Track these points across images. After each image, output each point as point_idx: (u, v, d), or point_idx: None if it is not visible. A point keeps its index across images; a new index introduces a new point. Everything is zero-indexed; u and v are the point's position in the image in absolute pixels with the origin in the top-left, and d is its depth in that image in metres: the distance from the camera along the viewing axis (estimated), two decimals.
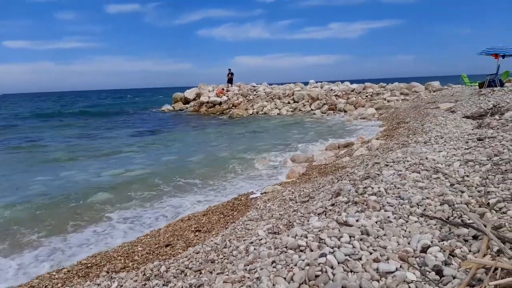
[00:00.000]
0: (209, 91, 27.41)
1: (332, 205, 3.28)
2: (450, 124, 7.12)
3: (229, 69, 27.60)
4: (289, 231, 2.70)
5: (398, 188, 3.18)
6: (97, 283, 3.45)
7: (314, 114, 21.13)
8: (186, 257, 3.44)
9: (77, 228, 5.65)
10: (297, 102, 23.65)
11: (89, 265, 4.20)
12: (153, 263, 3.58)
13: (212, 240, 3.77)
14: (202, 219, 5.64)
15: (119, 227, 5.61)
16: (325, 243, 2.20)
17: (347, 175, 5.37)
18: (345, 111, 20.65)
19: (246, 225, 4.17)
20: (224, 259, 3.11)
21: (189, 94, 27.63)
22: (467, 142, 4.91)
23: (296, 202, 4.74)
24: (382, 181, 3.39)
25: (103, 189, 7.61)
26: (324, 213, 3.24)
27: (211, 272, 2.85)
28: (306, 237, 2.36)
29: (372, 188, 3.17)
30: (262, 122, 19.82)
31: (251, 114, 23.59)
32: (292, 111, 23.07)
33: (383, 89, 22.26)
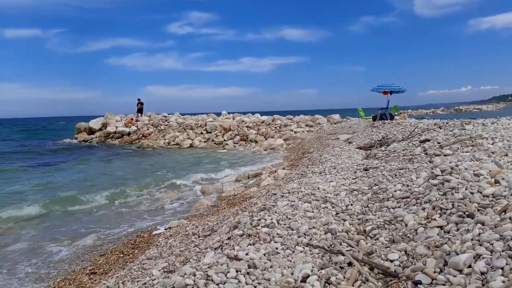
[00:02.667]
0: (116, 121, 26.28)
1: (228, 238, 3.32)
2: (344, 155, 7.75)
3: (139, 99, 26.92)
4: (179, 270, 2.66)
5: (289, 219, 3.34)
6: None
7: (227, 144, 21.39)
8: None
9: None
10: (210, 132, 23.75)
11: None
12: None
13: (104, 284, 3.53)
14: (99, 260, 5.27)
15: None
16: (212, 280, 2.21)
17: (250, 206, 5.49)
18: (256, 142, 21.28)
19: (143, 264, 3.99)
20: None
21: (95, 124, 26.14)
22: (355, 172, 5.38)
23: (199, 237, 4.70)
24: (276, 212, 3.54)
25: None
26: (220, 247, 3.26)
27: None
28: (195, 275, 2.34)
29: (265, 220, 3.29)
30: (173, 153, 19.45)
31: (162, 145, 23.07)
32: (205, 142, 23.06)
33: (290, 121, 23.51)
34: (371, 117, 18.45)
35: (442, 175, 3.60)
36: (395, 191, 3.59)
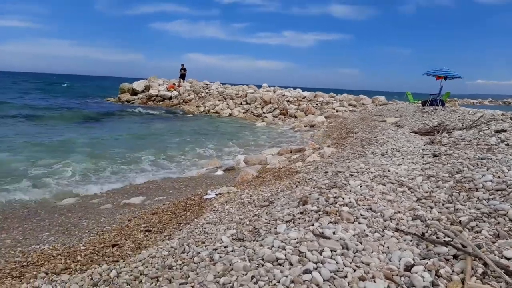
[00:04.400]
0: (159, 85, 26.54)
1: (301, 213, 3.16)
2: (402, 138, 7.37)
3: (182, 65, 26.98)
4: (262, 241, 2.52)
5: (368, 200, 3.13)
6: (35, 286, 3.04)
7: (266, 117, 21.19)
8: (140, 261, 3.13)
9: None
10: (250, 104, 23.59)
11: (24, 264, 3.73)
12: (100, 265, 3.23)
13: (168, 244, 3.49)
14: (152, 218, 5.30)
15: None
16: (306, 257, 2.06)
17: (306, 181, 5.31)
18: (295, 117, 20.94)
19: (205, 228, 3.92)
20: (184, 265, 2.85)
21: (138, 85, 26.52)
22: (423, 157, 5.05)
23: (255, 206, 4.58)
24: (350, 191, 3.33)
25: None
26: (292, 221, 3.11)
27: (169, 280, 2.59)
28: (284, 249, 2.19)
29: (343, 198, 3.09)
30: (214, 121, 19.51)
31: (201, 112, 23.19)
32: (244, 112, 22.97)
33: (333, 99, 22.92)
34: (420, 101, 17.62)
35: None
36: (485, 181, 3.29)
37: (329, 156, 8.59)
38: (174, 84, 26.43)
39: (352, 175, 4.02)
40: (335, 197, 3.17)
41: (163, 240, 4.26)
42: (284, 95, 24.12)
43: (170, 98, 25.08)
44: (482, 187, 3.21)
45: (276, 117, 21.35)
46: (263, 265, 2.08)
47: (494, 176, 3.36)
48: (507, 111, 9.71)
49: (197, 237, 3.61)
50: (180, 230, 4.38)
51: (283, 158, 10.17)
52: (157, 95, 25.07)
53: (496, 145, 4.88)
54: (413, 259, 2.11)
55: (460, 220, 2.68)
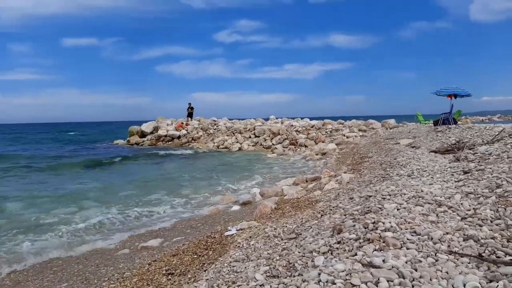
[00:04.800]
0: (167, 125, 26.75)
1: (338, 242, 2.93)
2: (423, 158, 7.13)
3: (189, 103, 27.30)
4: (304, 276, 2.29)
5: (409, 223, 2.90)
6: None
7: (276, 148, 21.06)
8: None
9: None
10: (258, 136, 23.56)
11: None
12: None
13: (196, 286, 3.24)
14: (173, 260, 5.05)
15: None
16: None
17: (331, 209, 5.07)
18: (305, 146, 20.78)
19: (233, 266, 3.67)
20: None
21: (146, 127, 26.73)
22: (452, 175, 4.82)
23: (282, 239, 4.33)
24: (388, 215, 3.10)
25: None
26: (330, 251, 2.87)
27: None
28: (334, 283, 1.96)
29: (383, 223, 2.86)
30: (224, 156, 19.40)
31: (211, 148, 23.17)
32: (253, 146, 22.91)
33: (342, 125, 22.81)
34: (431, 122, 17.44)
35: None
36: None
37: (348, 183, 8.33)
38: (182, 123, 26.63)
39: (384, 198, 3.79)
40: (373, 223, 2.93)
41: (188, 283, 4.01)
42: (292, 125, 24.09)
43: (179, 137, 25.19)
44: None
45: (286, 147, 21.22)
46: None
47: None
48: None
49: (226, 277, 3.36)
50: (205, 271, 4.12)
51: (300, 188, 9.92)
52: (166, 135, 25.20)
53: None
54: (480, 283, 1.86)
55: None
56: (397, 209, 3.28)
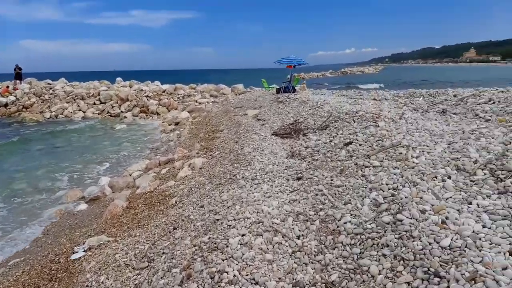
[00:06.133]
0: None
1: None
2: (265, 148, 7.77)
3: (16, 65, 23.32)
4: None
5: (250, 266, 3.22)
6: None
7: (125, 117, 20.00)
8: None
9: None
10: (105, 103, 21.90)
11: None
12: None
13: None
14: None
15: None
16: None
17: (183, 221, 5.19)
18: (158, 114, 20.28)
19: None
20: None
21: None
22: (288, 180, 5.43)
23: (134, 269, 4.30)
24: (232, 257, 3.37)
25: None
26: None
27: None
28: None
29: (227, 273, 3.11)
30: (64, 131, 17.47)
31: (48, 118, 20.61)
32: (99, 114, 21.24)
33: (194, 90, 22.84)
34: (274, 89, 18.86)
35: (385, 202, 3.80)
36: (345, 223, 3.69)
37: (201, 168, 8.59)
38: (8, 87, 22.75)
39: (230, 225, 4.06)
40: (219, 271, 3.16)
41: None
42: (142, 90, 23.04)
43: (6, 105, 21.59)
44: (343, 230, 3.59)
45: (137, 115, 20.35)
46: None
47: (351, 215, 3.80)
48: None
49: None
50: None
51: (153, 174, 9.78)
52: None
53: (346, 160, 5.51)
54: None
55: (333, 281, 2.96)
56: (240, 244, 3.58)
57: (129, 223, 6.40)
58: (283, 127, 10.15)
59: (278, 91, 17.85)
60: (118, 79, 25.32)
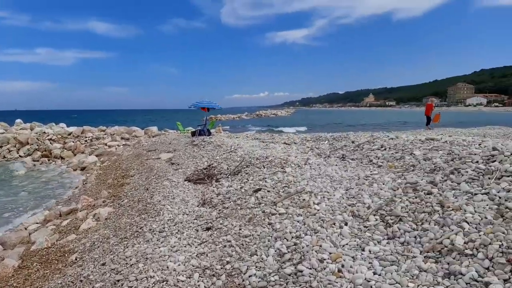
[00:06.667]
0: None
1: None
2: (176, 195, 7.60)
3: None
4: None
5: None
6: None
7: (25, 162, 18.19)
8: None
9: None
10: (1, 147, 19.78)
11: None
12: None
13: None
14: None
15: None
16: None
17: (81, 281, 4.76)
18: (62, 158, 18.82)
19: None
20: None
21: None
22: (197, 231, 5.33)
23: None
24: None
25: None
26: None
27: None
28: None
29: None
30: None
31: None
32: None
33: (103, 133, 21.78)
34: (190, 132, 18.83)
35: (288, 252, 3.91)
36: (250, 276, 3.69)
37: (106, 219, 8.06)
38: None
39: (130, 287, 3.81)
40: None
41: None
42: (44, 132, 21.31)
43: None
44: (249, 284, 3.59)
45: (37, 160, 18.64)
46: None
47: (257, 267, 3.82)
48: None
49: None
50: None
51: (52, 226, 8.90)
52: None
53: (255, 207, 5.61)
54: None
55: None
56: None
57: (20, 286, 5.67)
58: (196, 172, 10.08)
59: (193, 134, 17.86)
60: (18, 121, 23.20)
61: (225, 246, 4.56)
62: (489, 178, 4.57)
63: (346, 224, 4.27)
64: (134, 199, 8.55)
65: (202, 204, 6.72)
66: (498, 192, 4.11)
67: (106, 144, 19.97)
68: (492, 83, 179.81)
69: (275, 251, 4.02)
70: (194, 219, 5.87)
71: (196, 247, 4.73)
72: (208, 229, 5.30)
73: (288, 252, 3.91)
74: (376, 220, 4.26)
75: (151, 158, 14.66)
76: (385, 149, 7.81)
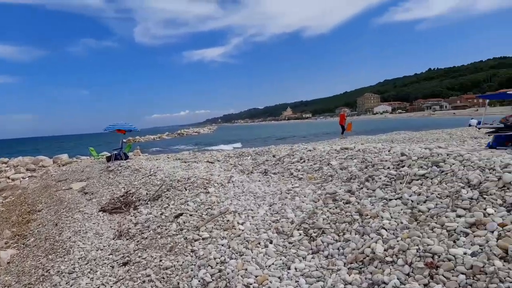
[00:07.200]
0: None
1: None
2: (89, 229, 6.91)
3: None
4: None
5: None
6: None
7: None
8: None
9: None
10: None
11: None
12: None
13: None
14: None
15: None
16: None
17: None
18: None
19: None
20: None
21: None
22: (112, 268, 4.83)
23: None
24: None
25: None
26: None
27: None
28: None
29: None
30: None
31: None
32: None
33: (5, 165, 19.51)
34: (105, 157, 17.61)
35: (213, 280, 3.67)
36: None
37: (9, 263, 7.06)
38: None
39: None
40: None
41: None
42: None
43: None
44: None
45: None
46: None
47: None
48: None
49: None
50: None
51: None
52: None
53: (176, 234, 5.26)
54: None
55: None
56: None
57: None
58: (112, 201, 9.35)
59: (108, 159, 16.71)
60: None
61: (143, 281, 4.16)
62: (400, 183, 4.80)
63: (271, 242, 4.15)
64: (41, 237, 7.63)
65: (118, 237, 6.16)
66: (410, 196, 4.32)
67: (8, 177, 17.85)
68: (395, 91, 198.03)
69: (199, 281, 3.74)
70: (109, 254, 5.34)
71: (111, 287, 4.25)
72: (125, 264, 4.83)
73: (213, 280, 3.66)
74: (300, 234, 4.20)
75: (61, 189, 13.41)
76: (304, 161, 7.95)
